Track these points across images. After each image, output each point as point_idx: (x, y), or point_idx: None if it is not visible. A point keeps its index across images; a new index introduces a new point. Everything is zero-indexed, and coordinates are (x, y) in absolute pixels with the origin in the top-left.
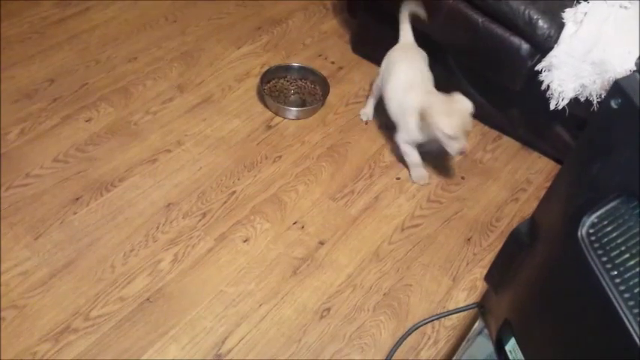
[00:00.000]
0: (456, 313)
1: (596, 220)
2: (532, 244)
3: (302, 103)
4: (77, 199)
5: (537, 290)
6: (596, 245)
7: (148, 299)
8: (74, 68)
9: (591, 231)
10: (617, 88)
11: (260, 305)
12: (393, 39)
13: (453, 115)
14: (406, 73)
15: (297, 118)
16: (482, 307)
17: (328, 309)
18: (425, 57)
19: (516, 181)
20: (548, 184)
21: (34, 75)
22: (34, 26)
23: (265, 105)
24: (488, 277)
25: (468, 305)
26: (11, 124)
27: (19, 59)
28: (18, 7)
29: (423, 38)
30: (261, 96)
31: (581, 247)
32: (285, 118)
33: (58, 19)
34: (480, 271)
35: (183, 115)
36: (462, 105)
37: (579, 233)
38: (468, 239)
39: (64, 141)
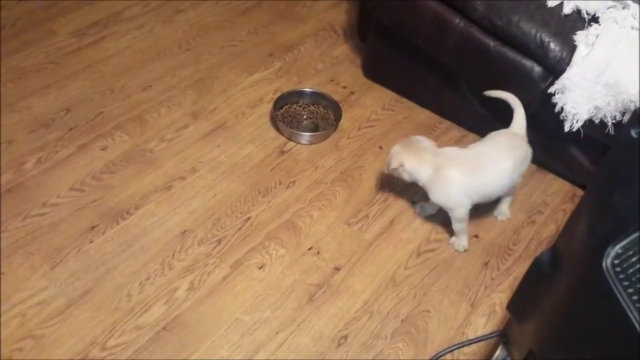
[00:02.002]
0: (478, 342)
1: (620, 251)
2: (555, 273)
3: (315, 128)
4: (93, 227)
5: (561, 321)
6: (622, 276)
7: (164, 328)
8: (90, 97)
9: (616, 262)
10: (637, 117)
11: (276, 333)
12: (404, 63)
13: None
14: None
15: (310, 143)
16: (504, 337)
17: (345, 336)
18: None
19: (532, 203)
20: (564, 207)
21: (50, 104)
22: (50, 56)
23: (278, 130)
24: (511, 307)
25: (490, 334)
26: (28, 154)
27: (36, 89)
28: (35, 38)
29: (434, 63)
30: (274, 121)
31: (607, 278)
32: (298, 143)
33: (74, 49)
34: (499, 296)
35: (197, 142)
36: None
37: (604, 264)
38: (486, 263)
39: (80, 170)
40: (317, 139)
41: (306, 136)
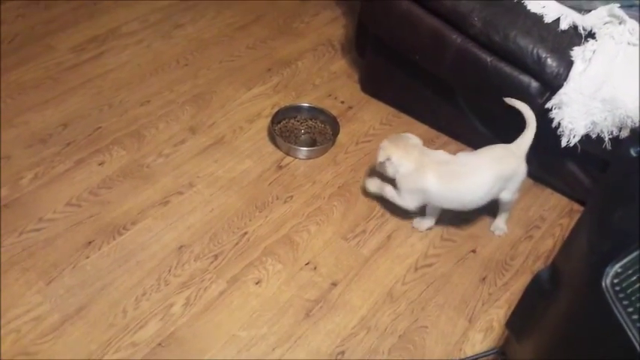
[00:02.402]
0: (477, 359)
1: (620, 270)
2: (554, 291)
3: (312, 143)
4: (89, 243)
5: (561, 340)
6: (621, 295)
7: (160, 344)
8: (88, 112)
9: (615, 281)
10: (637, 136)
11: (273, 349)
12: (401, 77)
13: None
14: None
15: (308, 158)
16: (503, 355)
17: (342, 352)
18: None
19: (529, 218)
20: (561, 221)
21: (48, 120)
22: (48, 71)
23: (276, 145)
24: (510, 324)
25: (488, 351)
26: (25, 169)
27: (34, 104)
28: (33, 53)
29: (432, 78)
30: (272, 136)
31: (606, 297)
32: (295, 157)
33: (72, 64)
34: (496, 311)
35: (195, 157)
36: None
37: (603, 283)
38: (483, 278)
39: (77, 185)
40: (315, 153)
41: (303, 150)
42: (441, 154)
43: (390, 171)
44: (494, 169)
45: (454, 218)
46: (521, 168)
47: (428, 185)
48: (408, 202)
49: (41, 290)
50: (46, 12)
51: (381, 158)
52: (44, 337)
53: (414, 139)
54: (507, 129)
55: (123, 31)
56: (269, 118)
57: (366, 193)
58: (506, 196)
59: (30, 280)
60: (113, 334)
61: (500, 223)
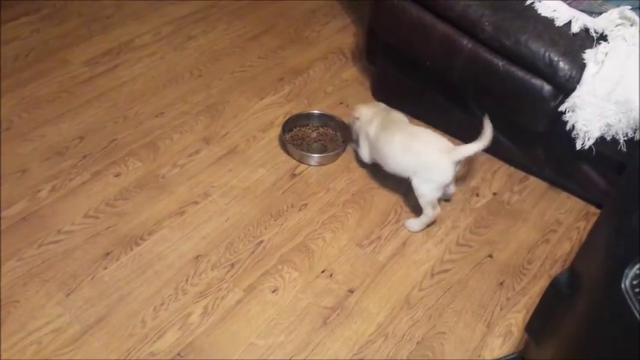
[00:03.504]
0: None
1: (639, 272)
2: (573, 294)
3: (324, 150)
4: (107, 254)
5: (581, 343)
6: None
7: (178, 354)
8: (103, 125)
9: (635, 282)
10: None
11: (291, 358)
12: (413, 84)
13: None
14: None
15: (320, 164)
16: (522, 359)
17: None
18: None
19: (546, 222)
20: (578, 225)
21: (64, 133)
22: (63, 85)
23: (288, 153)
24: (529, 328)
25: (508, 355)
26: (43, 182)
27: (50, 118)
28: (48, 68)
29: (443, 84)
30: (284, 145)
31: (626, 299)
32: (308, 165)
33: (87, 77)
34: (515, 316)
35: (209, 167)
36: None
37: (623, 285)
38: (501, 283)
39: (94, 197)
40: (327, 160)
41: (315, 157)
42: (401, 116)
43: (357, 126)
44: (412, 147)
45: (470, 224)
46: (444, 169)
47: (369, 129)
48: (364, 152)
49: (61, 302)
50: (60, 27)
51: (353, 115)
52: (65, 349)
53: (383, 105)
54: (520, 131)
55: (136, 44)
56: (281, 127)
57: (381, 199)
58: (419, 185)
59: (50, 291)
60: (132, 345)
61: (412, 222)
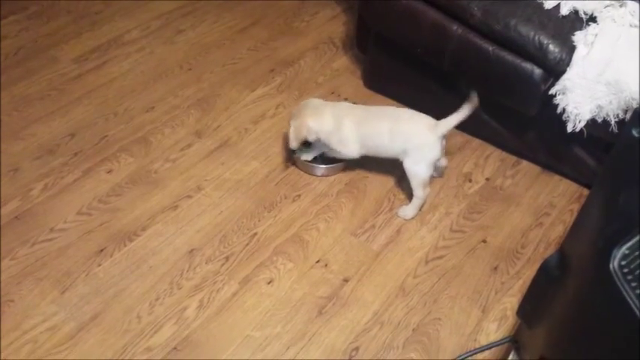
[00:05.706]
0: (490, 348)
1: (627, 252)
2: (563, 276)
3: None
4: (101, 250)
5: (571, 325)
6: (630, 277)
7: (175, 348)
8: (94, 122)
9: (623, 263)
10: (638, 116)
11: (287, 348)
12: (404, 71)
13: None
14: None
15: (325, 176)
16: (516, 342)
17: (357, 348)
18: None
19: (539, 205)
20: (571, 207)
21: (55, 131)
22: (52, 83)
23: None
24: (521, 312)
25: (502, 340)
26: (34, 181)
27: (40, 116)
28: (37, 66)
29: (434, 70)
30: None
31: (614, 280)
32: (314, 175)
33: (76, 74)
34: (510, 300)
35: (202, 161)
36: None
37: (611, 266)
38: (495, 268)
39: (87, 194)
40: (332, 171)
41: (321, 168)
42: (348, 104)
43: (311, 137)
44: (393, 126)
45: (463, 210)
46: (433, 145)
47: (345, 131)
48: (351, 150)
49: (56, 300)
50: (49, 25)
51: (308, 136)
52: (60, 347)
53: (315, 100)
54: (512, 116)
55: (125, 39)
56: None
57: (374, 188)
58: (412, 167)
59: (44, 290)
60: (129, 340)
61: (405, 209)
